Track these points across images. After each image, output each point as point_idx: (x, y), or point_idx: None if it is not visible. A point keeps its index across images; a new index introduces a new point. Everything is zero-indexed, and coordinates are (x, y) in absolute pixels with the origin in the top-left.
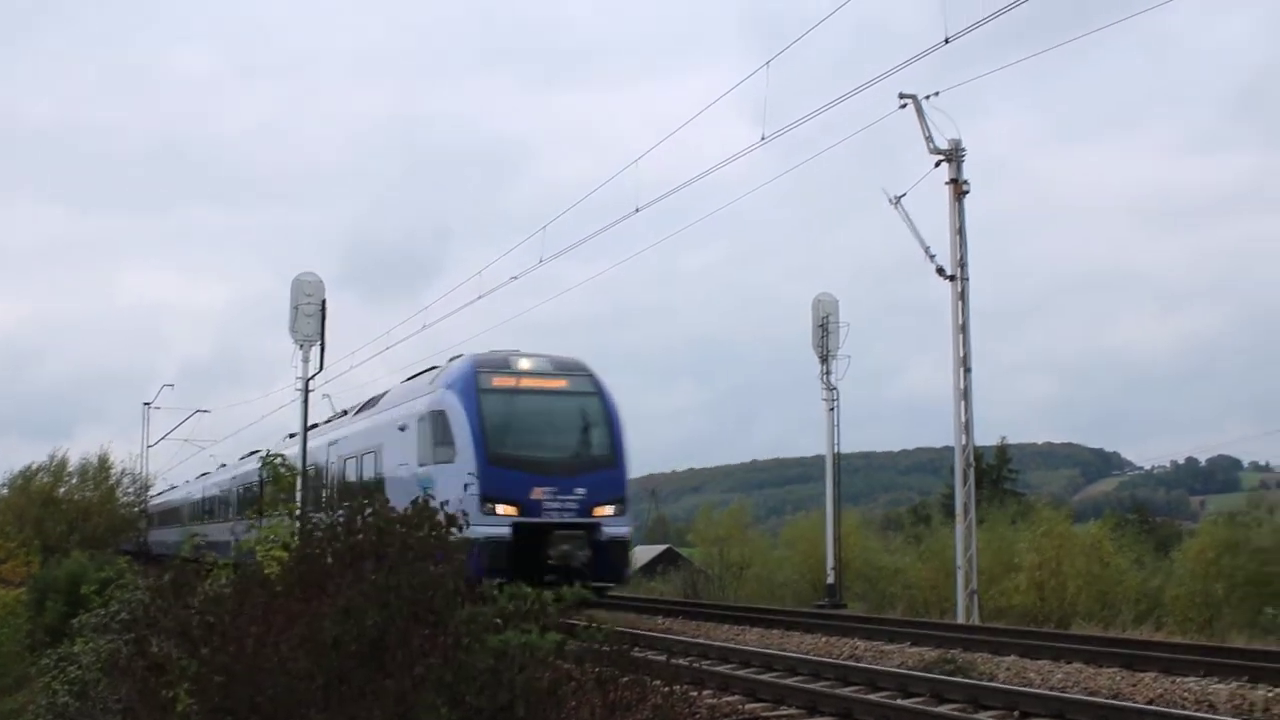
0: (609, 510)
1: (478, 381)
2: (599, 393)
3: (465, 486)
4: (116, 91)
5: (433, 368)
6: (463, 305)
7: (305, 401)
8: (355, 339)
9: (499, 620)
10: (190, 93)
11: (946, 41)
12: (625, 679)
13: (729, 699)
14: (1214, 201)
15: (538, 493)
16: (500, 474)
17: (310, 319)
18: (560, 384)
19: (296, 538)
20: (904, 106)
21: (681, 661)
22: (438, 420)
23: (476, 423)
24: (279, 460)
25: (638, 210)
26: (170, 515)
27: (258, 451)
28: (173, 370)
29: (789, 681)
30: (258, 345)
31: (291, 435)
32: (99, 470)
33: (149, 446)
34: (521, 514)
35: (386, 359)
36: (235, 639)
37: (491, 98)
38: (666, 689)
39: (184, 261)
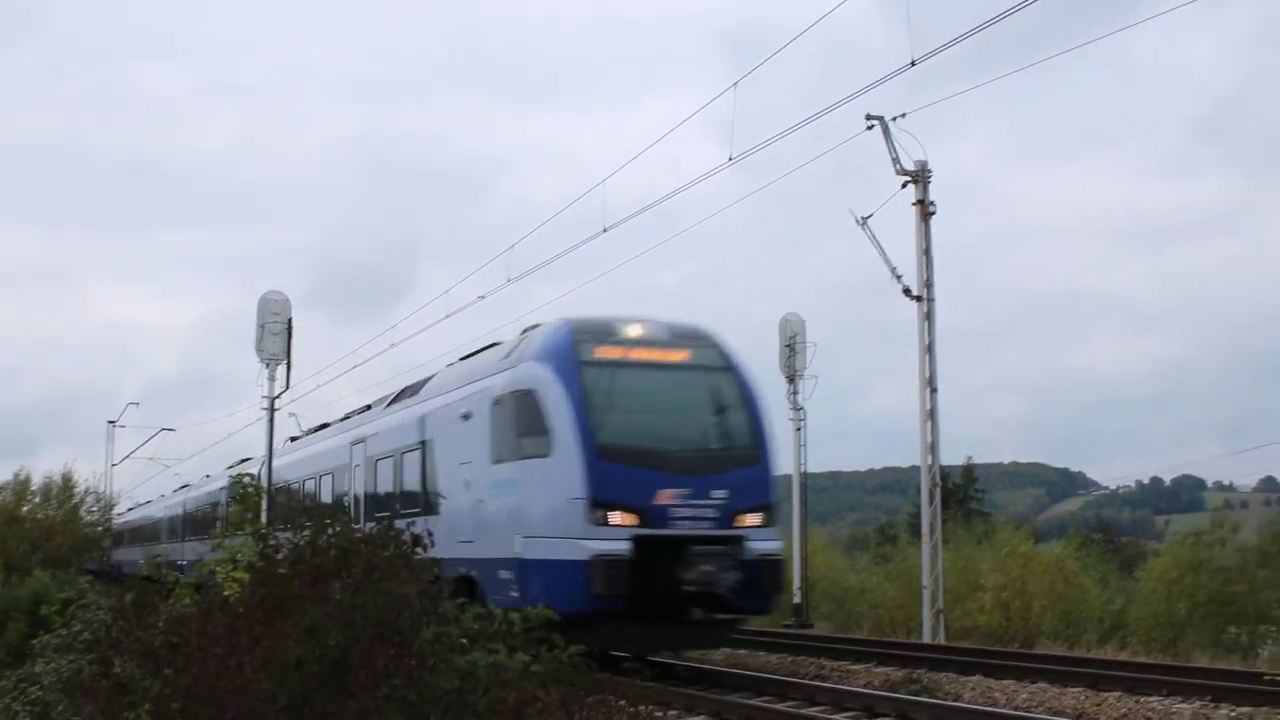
0: (755, 519)
1: (577, 351)
2: (732, 367)
3: (565, 488)
4: (88, 109)
5: (493, 344)
6: (430, 324)
7: (271, 420)
8: (325, 358)
9: (465, 640)
10: (161, 110)
11: (913, 64)
12: (591, 699)
13: (695, 718)
14: (1183, 224)
15: (665, 496)
16: (615, 471)
17: (276, 337)
18: (682, 355)
19: (258, 558)
20: (871, 128)
21: (648, 683)
22: (523, 402)
23: (580, 404)
24: (247, 478)
25: (605, 230)
26: (139, 534)
27: (249, 459)
28: (140, 389)
29: (755, 701)
30: (226, 363)
31: (293, 439)
32: (62, 489)
33: (113, 465)
34: (644, 524)
35: (354, 378)
36: (198, 660)
37: (462, 117)
38: (632, 709)
39: (153, 279)
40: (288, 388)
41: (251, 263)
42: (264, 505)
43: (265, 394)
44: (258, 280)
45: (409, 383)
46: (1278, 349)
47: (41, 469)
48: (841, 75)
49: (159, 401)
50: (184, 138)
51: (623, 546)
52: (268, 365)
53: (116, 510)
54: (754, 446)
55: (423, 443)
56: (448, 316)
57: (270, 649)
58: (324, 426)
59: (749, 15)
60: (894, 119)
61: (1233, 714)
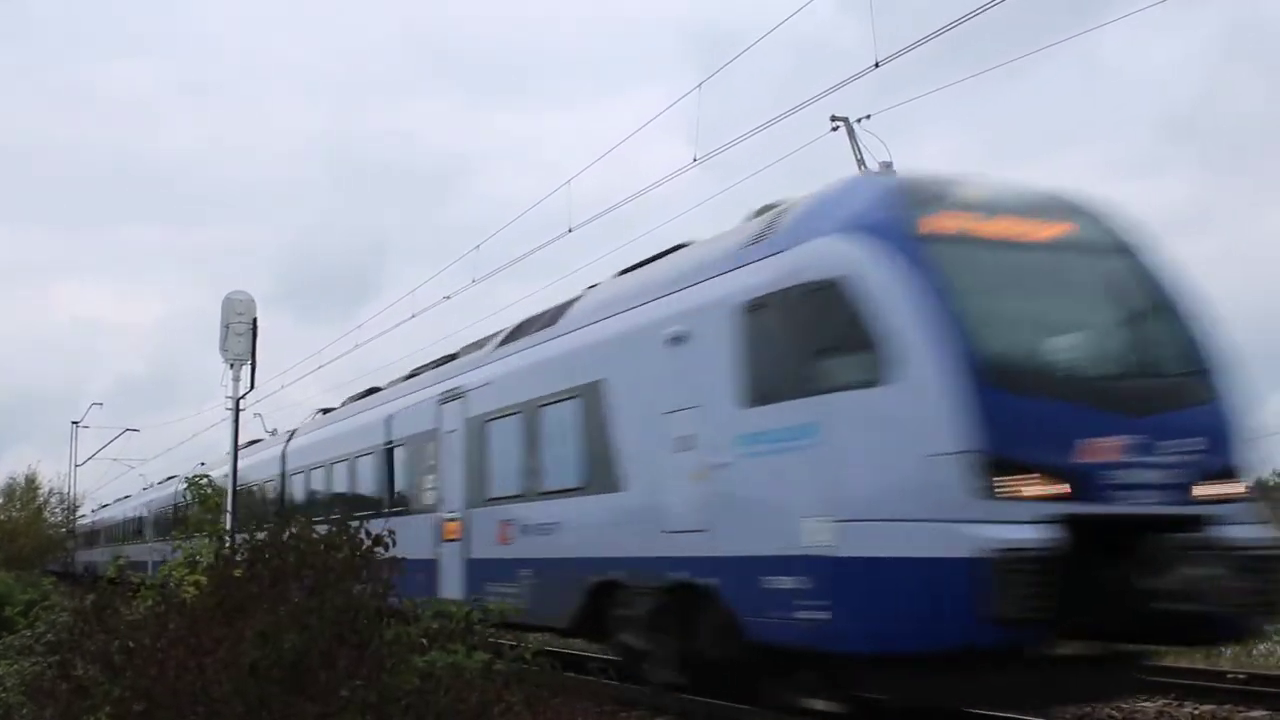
0: (1232, 487)
1: (911, 220)
2: (1138, 249)
3: (925, 435)
4: (54, 108)
5: (681, 245)
6: (396, 325)
7: (236, 421)
8: (292, 357)
9: (424, 640)
10: (128, 109)
11: (876, 65)
12: (556, 700)
13: None
14: (1152, 224)
15: (1101, 450)
16: (1021, 407)
17: (241, 338)
18: (1062, 229)
19: (215, 559)
20: (835, 129)
21: (613, 682)
22: (820, 302)
23: (941, 297)
24: (204, 481)
25: (570, 230)
26: (106, 534)
27: (261, 438)
28: (106, 388)
29: (721, 701)
30: (193, 363)
31: (325, 411)
32: (26, 490)
33: (77, 466)
34: (1076, 496)
35: (319, 378)
36: (157, 663)
37: (430, 116)
38: (598, 709)
39: (119, 278)
40: (252, 388)
41: (219, 261)
42: (228, 506)
43: (230, 394)
44: (225, 279)
45: (530, 316)
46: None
47: (3, 470)
48: (813, 75)
49: (126, 400)
50: (151, 136)
51: (1043, 535)
52: (232, 366)
53: (86, 509)
54: (1207, 372)
55: (587, 388)
56: (413, 317)
57: (230, 651)
58: (372, 391)
59: (717, 16)
60: (859, 120)
61: (1196, 712)
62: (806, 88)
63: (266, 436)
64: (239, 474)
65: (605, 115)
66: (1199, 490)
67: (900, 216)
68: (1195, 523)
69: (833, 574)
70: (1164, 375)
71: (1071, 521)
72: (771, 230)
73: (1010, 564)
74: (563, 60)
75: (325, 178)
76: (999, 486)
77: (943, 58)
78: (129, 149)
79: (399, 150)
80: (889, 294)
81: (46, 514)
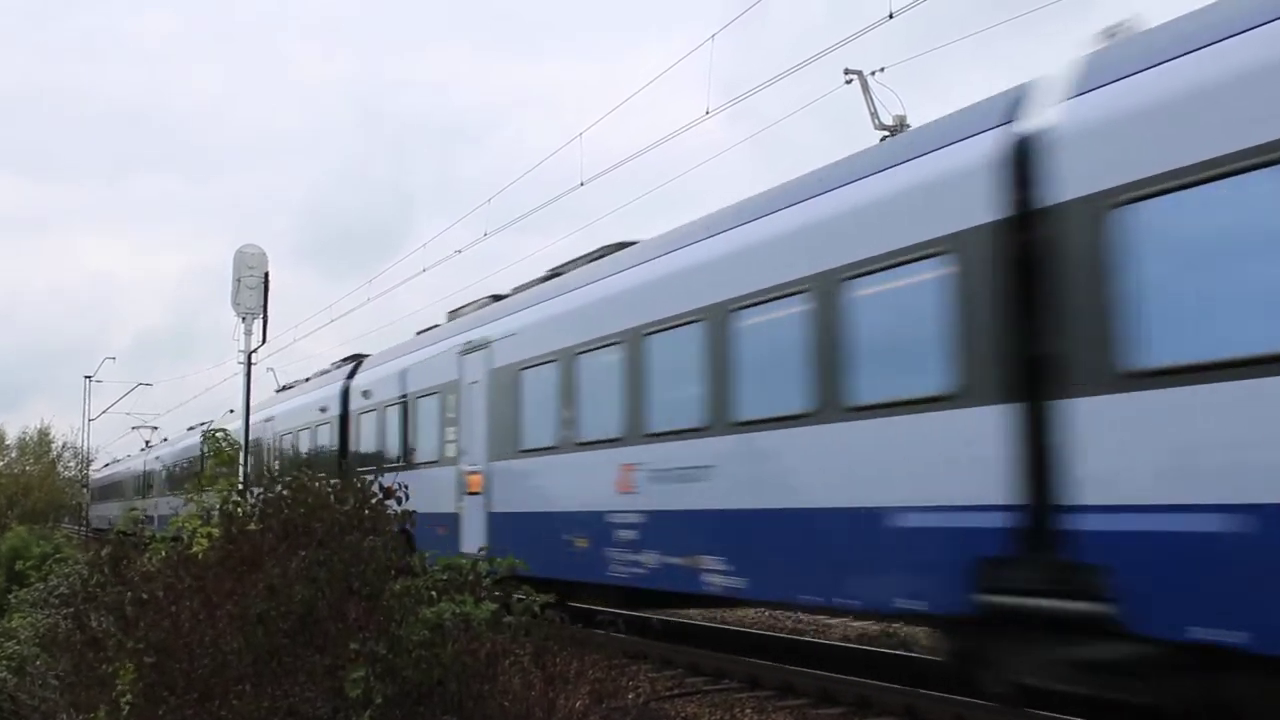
0: None
1: None
2: None
3: None
4: (75, 57)
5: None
6: (409, 278)
7: (248, 375)
8: (313, 312)
9: (433, 592)
10: (150, 59)
11: (890, 16)
12: (564, 652)
13: (670, 673)
14: None
15: None
16: None
17: (253, 291)
18: None
19: (233, 511)
20: (849, 82)
21: (622, 635)
22: None
23: None
24: (222, 435)
25: (582, 184)
26: (124, 487)
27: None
28: (125, 342)
29: (730, 654)
30: (212, 317)
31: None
32: (39, 444)
33: (90, 420)
34: None
35: (334, 330)
36: (170, 615)
37: (458, 66)
38: (606, 663)
39: (139, 231)
40: (264, 341)
41: (243, 215)
42: (242, 461)
43: (241, 348)
44: (247, 232)
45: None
46: None
47: (21, 424)
48: (849, 24)
49: (146, 355)
50: (173, 87)
51: None
52: (244, 319)
53: (114, 462)
54: None
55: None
56: (424, 271)
57: (240, 604)
58: (503, 295)
59: None
60: (873, 73)
61: None
62: (839, 37)
63: (295, 383)
64: (284, 418)
65: (632, 69)
66: None
67: None
68: None
69: None
70: None
71: None
72: None
73: None
74: (592, 12)
75: (351, 130)
76: None
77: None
78: (150, 100)
79: (426, 102)
80: None
81: (60, 468)
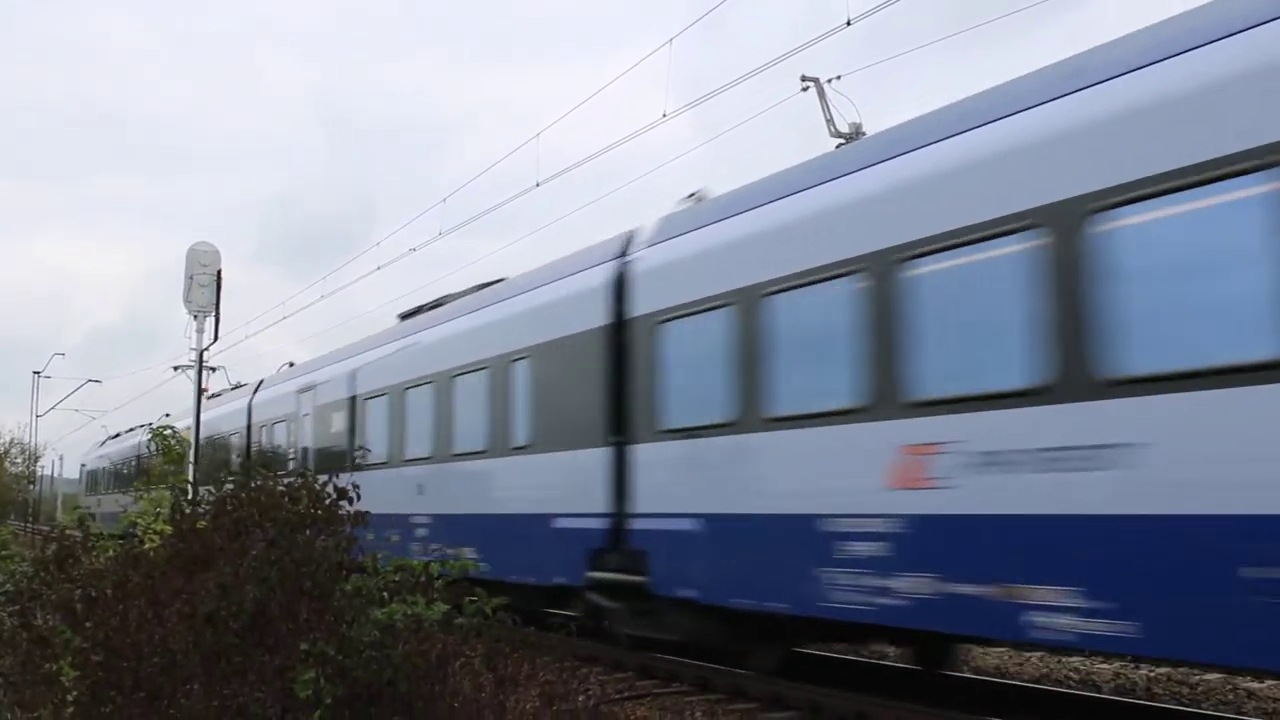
0: None
1: None
2: None
3: None
4: (42, 60)
5: None
6: (361, 276)
7: (200, 372)
8: (266, 310)
9: (384, 593)
10: (117, 62)
11: (849, 24)
12: (515, 654)
13: (621, 675)
14: None
15: None
16: None
17: (205, 289)
18: None
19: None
20: (806, 89)
21: (573, 638)
22: None
23: None
24: (169, 432)
25: (538, 185)
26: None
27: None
28: (79, 339)
29: (681, 658)
30: (167, 315)
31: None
32: None
33: (38, 416)
34: None
35: (286, 329)
36: (117, 613)
37: (423, 73)
38: (558, 665)
39: (100, 231)
40: (215, 339)
41: (206, 217)
42: (191, 458)
43: (193, 346)
44: (211, 234)
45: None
46: None
47: None
48: (818, 28)
49: (101, 351)
50: (140, 90)
51: None
52: (196, 317)
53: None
54: None
55: None
56: (378, 269)
57: (189, 603)
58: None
59: None
60: (829, 80)
61: (1151, 674)
62: (796, 42)
63: (230, 388)
64: (205, 426)
65: (596, 74)
66: None
67: None
68: None
69: None
70: None
71: None
72: None
73: None
74: (559, 19)
75: (316, 135)
76: None
77: (927, 16)
78: (116, 101)
79: (391, 107)
80: None
81: (7, 464)
